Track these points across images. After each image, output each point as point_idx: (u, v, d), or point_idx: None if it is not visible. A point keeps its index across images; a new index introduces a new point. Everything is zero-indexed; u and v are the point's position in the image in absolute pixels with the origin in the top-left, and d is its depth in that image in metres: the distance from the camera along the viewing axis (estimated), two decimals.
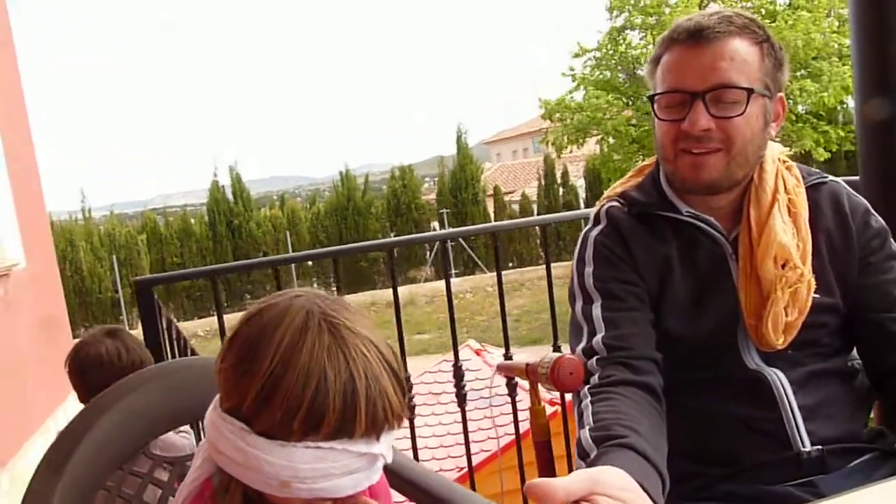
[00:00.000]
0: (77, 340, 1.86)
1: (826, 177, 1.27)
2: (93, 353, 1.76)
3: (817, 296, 1.18)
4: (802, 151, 12.32)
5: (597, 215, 1.31)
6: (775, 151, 1.25)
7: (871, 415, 1.33)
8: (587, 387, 1.13)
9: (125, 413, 1.15)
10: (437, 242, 2.46)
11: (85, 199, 16.63)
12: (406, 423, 2.39)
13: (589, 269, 1.24)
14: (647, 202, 1.26)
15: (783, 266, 1.17)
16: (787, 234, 1.18)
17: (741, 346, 1.20)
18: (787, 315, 1.16)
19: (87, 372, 1.75)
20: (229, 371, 0.76)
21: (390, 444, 0.79)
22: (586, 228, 1.31)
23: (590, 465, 0.95)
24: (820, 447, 1.14)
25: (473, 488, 2.30)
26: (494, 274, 2.33)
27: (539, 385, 1.13)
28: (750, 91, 1.13)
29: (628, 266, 1.22)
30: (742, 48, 1.14)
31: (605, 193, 1.36)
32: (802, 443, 1.14)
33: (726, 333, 1.20)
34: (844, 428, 1.18)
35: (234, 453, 0.74)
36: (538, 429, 1.15)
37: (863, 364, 1.26)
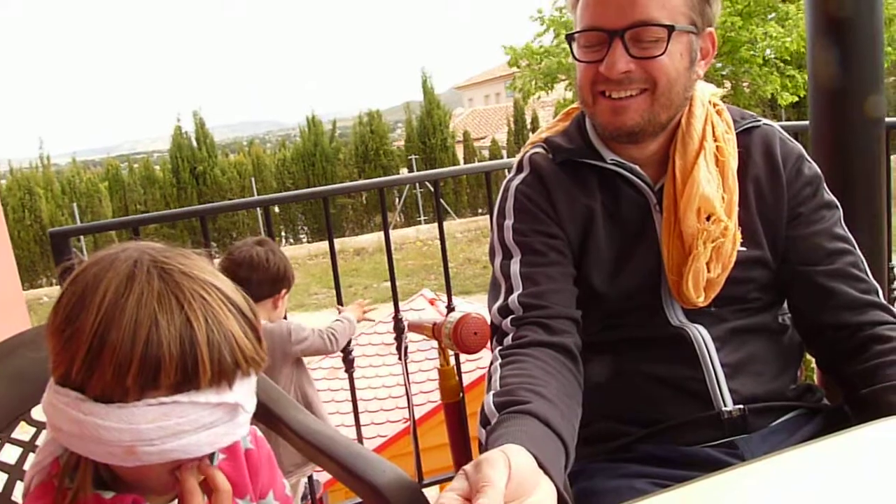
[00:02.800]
0: (229, 250, 2.15)
1: (759, 120, 1.20)
2: (245, 255, 2.07)
3: (743, 249, 1.12)
4: (769, 96, 12.29)
5: (520, 163, 1.23)
6: (706, 93, 1.17)
7: (800, 371, 1.29)
8: (499, 349, 1.06)
9: (11, 374, 1.07)
10: (378, 191, 2.39)
11: (43, 147, 16.19)
12: (345, 374, 2.34)
13: (509, 222, 1.16)
14: (570, 149, 1.18)
15: (707, 219, 1.10)
16: (712, 185, 1.11)
17: (665, 302, 1.14)
18: (709, 271, 1.10)
19: (238, 269, 2.04)
20: (56, 336, 0.68)
21: (250, 393, 0.72)
22: (508, 177, 1.23)
23: (490, 433, 0.90)
24: (742, 406, 1.10)
25: (416, 442, 2.27)
26: (464, 220, 2.25)
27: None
28: (671, 28, 1.04)
29: (550, 218, 1.15)
30: None
31: (530, 139, 1.28)
32: (724, 402, 1.10)
33: (649, 290, 1.14)
34: (770, 386, 1.14)
35: (72, 426, 0.67)
36: (447, 391, 1.09)
37: (792, 319, 1.21)
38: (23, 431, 1.08)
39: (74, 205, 15.22)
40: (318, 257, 14.00)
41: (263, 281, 2.09)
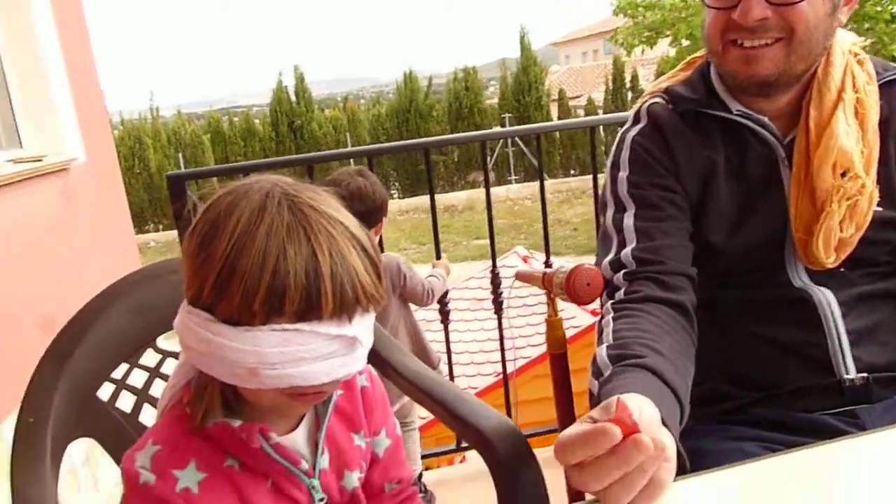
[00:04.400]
0: (330, 178, 2.18)
1: None
2: (353, 187, 2.10)
3: (880, 209, 1.05)
4: (894, 56, 11.40)
5: (637, 113, 1.18)
6: (846, 42, 1.09)
7: None
8: (610, 302, 1.04)
9: (136, 305, 1.13)
10: (481, 144, 2.34)
11: (153, 99, 16.93)
12: (440, 327, 2.37)
13: (623, 174, 1.13)
14: (693, 99, 1.13)
15: (843, 175, 1.04)
16: (851, 138, 1.04)
17: (787, 262, 1.09)
18: (841, 230, 1.04)
19: (348, 201, 2.02)
20: (190, 260, 0.71)
21: (368, 329, 0.74)
22: (624, 128, 1.19)
23: (602, 385, 0.88)
24: (865, 375, 1.04)
25: (507, 394, 2.29)
26: (556, 181, 2.22)
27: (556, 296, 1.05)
28: None
29: (668, 170, 1.11)
30: None
31: (649, 89, 1.23)
32: (846, 369, 1.04)
33: (772, 249, 1.09)
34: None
35: (200, 345, 0.70)
36: (554, 341, 1.08)
37: None
38: (149, 358, 1.14)
39: (180, 155, 15.91)
40: (408, 213, 14.15)
41: (368, 211, 2.12)
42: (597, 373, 0.92)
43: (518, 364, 2.71)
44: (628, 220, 1.09)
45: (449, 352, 2.35)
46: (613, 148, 1.18)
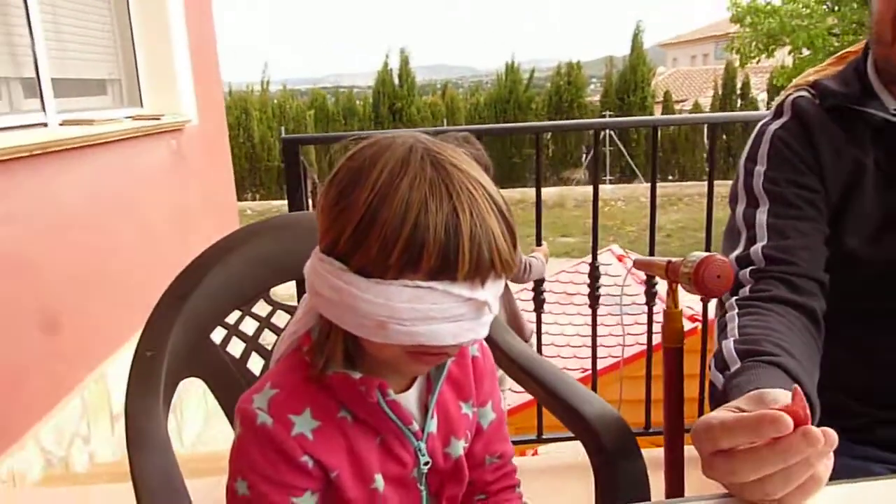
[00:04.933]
0: (438, 139, 2.18)
1: None
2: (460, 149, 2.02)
3: None
4: None
5: (779, 106, 1.12)
6: None
7: None
8: (735, 298, 0.98)
9: (254, 255, 1.15)
10: (593, 132, 2.27)
11: (266, 71, 17.42)
12: (532, 317, 2.34)
13: (760, 169, 1.06)
14: (844, 93, 1.06)
15: None
16: None
17: None
18: None
19: None
20: (328, 208, 0.70)
21: (497, 296, 0.72)
22: (763, 121, 1.12)
23: (729, 379, 0.84)
24: None
25: (595, 390, 2.23)
26: (650, 185, 2.15)
27: (679, 287, 1.01)
28: None
29: (809, 169, 1.04)
30: None
31: (794, 81, 1.16)
32: None
33: None
34: None
35: (331, 293, 0.69)
36: (671, 333, 1.04)
37: None
38: (261, 309, 1.17)
39: (282, 128, 16.37)
40: None
41: None
42: (722, 366, 0.87)
43: (607, 363, 2.65)
44: (761, 215, 1.03)
45: (540, 342, 2.31)
46: (750, 141, 1.11)
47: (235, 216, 5.61)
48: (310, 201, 2.09)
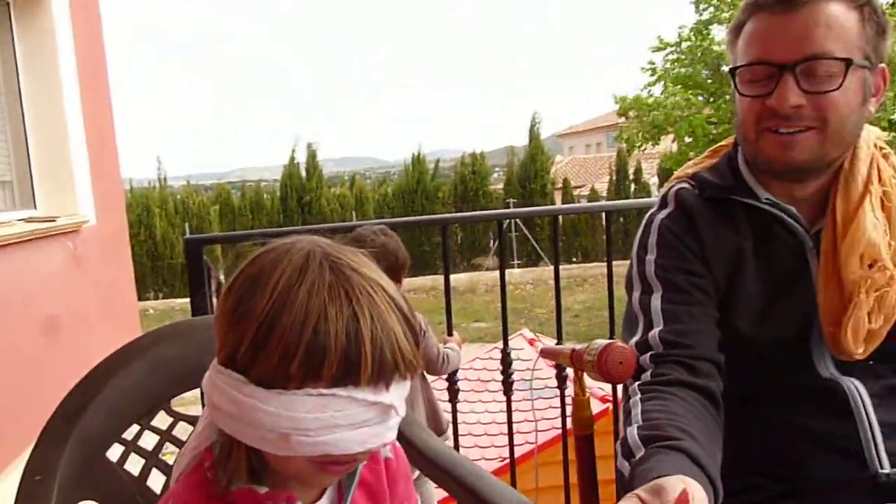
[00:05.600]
0: (353, 234, 2.14)
1: None
2: (378, 243, 2.06)
3: None
4: None
5: (664, 197, 1.19)
6: (871, 135, 1.11)
7: None
8: (637, 383, 1.02)
9: (153, 364, 1.11)
10: (497, 222, 2.35)
11: (161, 167, 17.14)
12: (447, 407, 2.32)
13: (651, 257, 1.13)
14: (721, 185, 1.14)
15: (871, 266, 1.04)
16: (878, 230, 1.04)
17: (815, 352, 1.07)
18: (870, 322, 1.03)
19: (375, 258, 2.05)
20: (226, 317, 0.69)
21: (402, 398, 0.71)
22: (651, 211, 1.19)
23: (635, 466, 0.85)
24: None
25: (514, 479, 2.22)
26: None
27: (585, 375, 1.03)
28: (848, 62, 0.99)
29: (695, 255, 1.11)
30: (839, 12, 1.00)
31: (675, 174, 1.25)
32: (881, 464, 1.01)
33: (799, 337, 1.08)
34: None
35: (230, 407, 0.67)
36: (580, 422, 1.06)
37: None
38: (161, 420, 1.11)
39: (186, 225, 16.03)
40: (411, 293, 14.12)
41: (392, 269, 2.11)
42: (628, 454, 0.89)
43: (525, 449, 2.64)
44: (655, 301, 1.08)
45: (456, 433, 2.29)
46: (640, 230, 1.18)
47: (136, 318, 5.38)
48: (214, 302, 2.04)
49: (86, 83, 4.39)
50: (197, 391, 1.15)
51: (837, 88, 1.00)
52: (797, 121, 1.02)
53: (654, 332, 1.05)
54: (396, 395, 0.70)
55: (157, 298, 15.70)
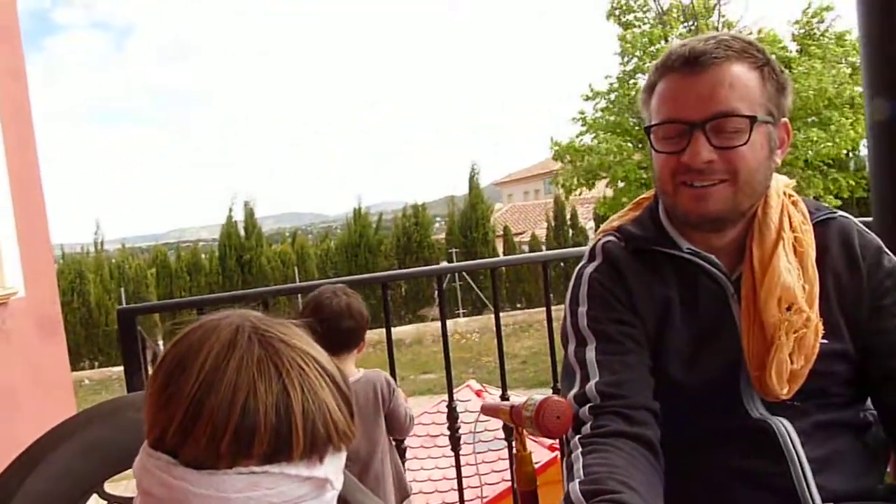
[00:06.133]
0: (314, 295, 2.11)
1: (835, 212, 1.20)
2: (342, 303, 2.06)
3: (825, 342, 1.10)
4: (814, 198, 12.24)
5: (592, 251, 1.24)
6: (780, 184, 1.18)
7: (888, 469, 1.23)
8: (578, 437, 1.04)
9: (86, 445, 1.07)
10: (437, 278, 2.39)
11: (99, 231, 16.71)
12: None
13: (583, 309, 1.16)
14: (644, 237, 1.19)
15: (788, 309, 1.09)
16: (793, 274, 1.10)
17: (744, 394, 1.11)
18: (792, 363, 1.08)
19: (339, 321, 2.04)
20: (154, 398, 0.68)
21: (339, 469, 0.70)
22: (580, 265, 1.23)
23: None
24: (832, 503, 1.05)
25: None
26: (503, 314, 2.25)
27: (525, 430, 1.05)
28: (753, 119, 1.06)
29: (624, 306, 1.14)
30: (742, 73, 1.07)
31: (601, 227, 1.29)
32: (812, 499, 1.05)
33: (728, 381, 1.12)
34: (858, 483, 1.09)
35: (161, 490, 0.66)
36: (523, 477, 1.07)
37: (878, 415, 1.16)
38: None
39: (122, 290, 15.57)
40: None
41: (356, 327, 2.08)
42: (567, 475, 0.91)
43: None
44: (590, 353, 1.11)
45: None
46: (572, 283, 1.22)
47: (70, 392, 5.16)
48: (147, 373, 1.99)
49: (12, 153, 4.28)
50: (130, 471, 1.12)
51: (745, 143, 1.06)
52: (710, 174, 1.08)
53: (591, 384, 1.08)
54: (332, 467, 0.69)
55: (92, 367, 15.11)
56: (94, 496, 1.07)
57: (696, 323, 1.14)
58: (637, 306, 1.14)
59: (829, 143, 11.57)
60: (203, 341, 0.68)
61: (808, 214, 1.17)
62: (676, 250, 1.16)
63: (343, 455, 0.71)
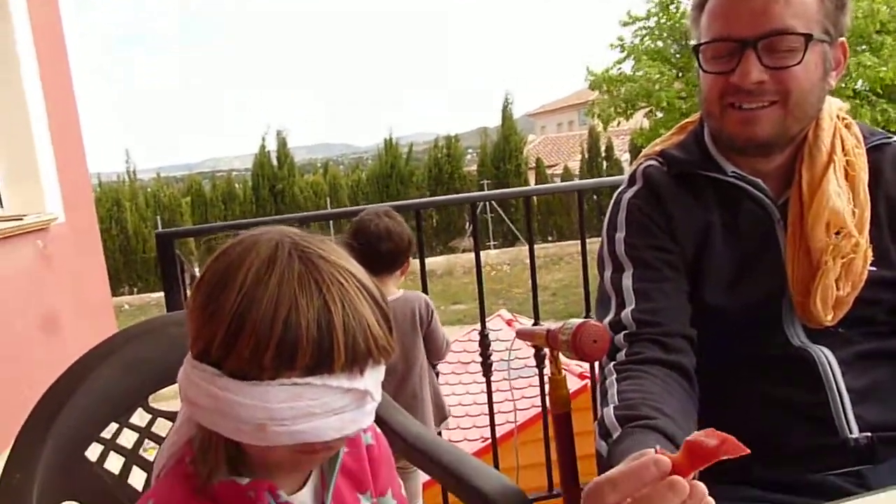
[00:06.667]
0: (357, 219, 2.12)
1: (891, 137, 1.15)
2: (382, 227, 2.06)
3: (874, 269, 1.07)
4: None
5: (632, 175, 1.21)
6: (833, 107, 1.13)
7: None
8: (612, 363, 1.04)
9: (128, 362, 1.10)
10: (470, 205, 2.35)
11: (130, 161, 16.91)
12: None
13: (620, 235, 1.14)
14: (688, 160, 1.16)
15: (836, 234, 1.06)
16: (842, 199, 1.06)
17: (785, 321, 1.09)
18: (838, 289, 1.05)
19: (378, 242, 2.06)
20: (197, 312, 0.69)
21: (378, 382, 0.72)
22: (619, 189, 1.20)
23: (612, 446, 0.87)
24: (869, 434, 1.04)
25: (496, 459, 2.24)
26: (534, 247, 2.23)
27: (561, 354, 1.05)
28: (808, 37, 1.01)
29: (664, 232, 1.12)
30: None
31: (643, 152, 1.26)
32: (850, 428, 1.04)
33: (769, 307, 1.09)
34: None
35: (206, 400, 0.68)
36: (557, 400, 1.07)
37: None
38: (139, 418, 1.11)
39: (158, 218, 15.84)
40: None
41: (397, 251, 2.09)
42: (605, 434, 0.91)
43: (507, 428, 2.67)
44: (626, 280, 1.10)
45: None
46: (610, 209, 1.19)
47: (111, 315, 5.32)
48: (188, 295, 2.03)
49: (48, 79, 4.30)
50: (175, 387, 1.15)
51: (798, 63, 1.01)
52: (759, 96, 1.03)
53: (627, 311, 1.07)
54: (371, 380, 0.70)
55: (131, 294, 15.53)
56: (139, 410, 1.10)
57: (738, 248, 1.11)
58: (676, 232, 1.12)
59: (883, 68, 11.02)
60: (244, 257, 0.69)
61: (861, 139, 1.12)
62: (721, 174, 1.12)
63: (382, 369, 0.72)
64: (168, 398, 1.14)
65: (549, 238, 16.78)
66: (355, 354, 0.67)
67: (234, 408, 0.66)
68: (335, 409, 0.67)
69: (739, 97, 1.05)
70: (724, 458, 0.61)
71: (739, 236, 1.12)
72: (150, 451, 1.08)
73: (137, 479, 1.05)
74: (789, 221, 1.09)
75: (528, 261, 2.21)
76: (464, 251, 15.93)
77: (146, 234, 15.73)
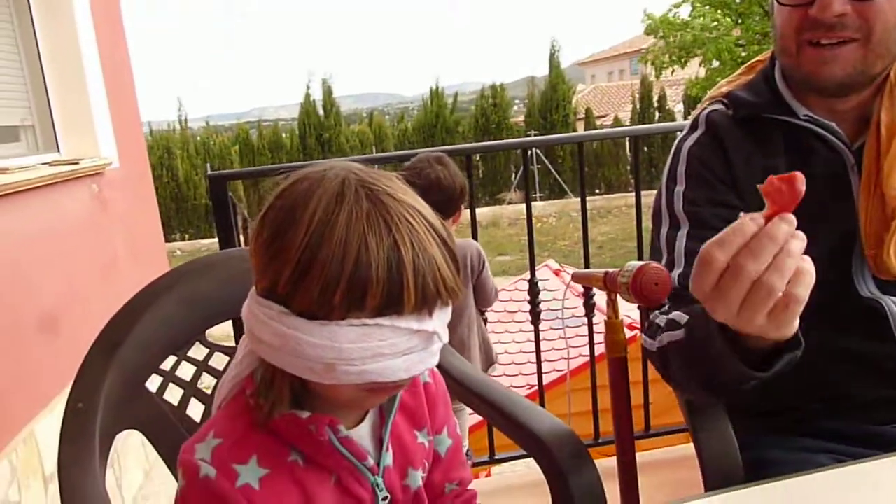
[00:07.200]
0: (409, 164, 2.11)
1: None
2: (433, 175, 2.04)
3: None
4: None
5: (694, 121, 1.15)
6: None
7: None
8: (660, 314, 1.01)
9: (186, 297, 1.11)
10: (521, 151, 2.30)
11: (182, 109, 17.12)
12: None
13: (679, 189, 1.09)
14: (756, 103, 1.10)
15: None
16: None
17: (855, 271, 1.05)
18: None
19: (428, 193, 1.99)
20: (262, 250, 0.68)
21: (445, 323, 0.70)
22: (680, 136, 1.15)
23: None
24: None
25: (543, 406, 2.25)
26: (579, 199, 2.19)
27: (619, 297, 1.03)
28: None
29: (726, 184, 1.07)
30: None
31: (709, 94, 1.20)
32: None
33: (839, 257, 1.05)
34: None
35: (273, 339, 0.67)
36: (613, 344, 1.05)
37: None
38: (198, 352, 1.13)
39: (208, 165, 16.07)
40: None
41: (448, 199, 2.07)
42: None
43: (552, 377, 2.68)
44: (681, 240, 1.05)
45: None
46: (669, 158, 1.15)
47: (164, 258, 5.45)
48: (241, 237, 2.05)
49: (101, 26, 4.34)
50: (225, 328, 1.16)
51: None
52: (840, 31, 0.97)
53: (674, 273, 1.03)
54: (439, 321, 0.69)
55: (183, 240, 15.91)
56: (197, 344, 1.12)
57: (807, 196, 1.06)
58: (740, 183, 1.07)
59: None
60: (310, 193, 0.66)
61: None
62: (792, 117, 1.07)
63: (449, 310, 0.71)
64: (221, 338, 1.16)
65: (597, 191, 16.53)
66: (425, 296, 0.65)
67: (303, 347, 0.65)
68: (403, 349, 0.66)
69: (818, 32, 0.98)
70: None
71: (809, 183, 1.06)
72: (205, 386, 1.10)
73: (196, 410, 1.08)
74: (864, 167, 1.03)
75: (574, 213, 2.19)
76: (509, 203, 15.84)
77: (197, 180, 16.00)
